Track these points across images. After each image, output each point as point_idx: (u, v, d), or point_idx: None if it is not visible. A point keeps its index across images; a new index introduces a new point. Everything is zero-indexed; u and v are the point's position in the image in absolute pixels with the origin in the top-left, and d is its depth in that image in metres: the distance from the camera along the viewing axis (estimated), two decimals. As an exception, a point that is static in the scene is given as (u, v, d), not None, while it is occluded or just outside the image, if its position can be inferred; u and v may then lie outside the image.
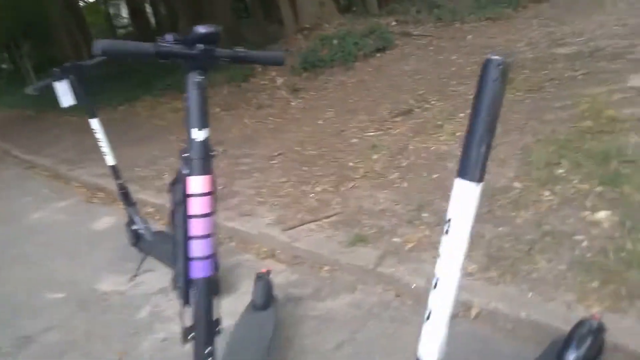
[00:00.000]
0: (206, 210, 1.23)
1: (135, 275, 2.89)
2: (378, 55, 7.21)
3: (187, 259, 1.26)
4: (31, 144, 8.05)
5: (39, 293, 2.88)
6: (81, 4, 21.95)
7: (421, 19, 8.62)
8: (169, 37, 1.16)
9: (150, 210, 4.02)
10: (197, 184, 1.22)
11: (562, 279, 1.96)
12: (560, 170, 2.70)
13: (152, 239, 2.91)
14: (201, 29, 1.15)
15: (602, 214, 2.26)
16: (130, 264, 2.96)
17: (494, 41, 6.18)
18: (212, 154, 1.25)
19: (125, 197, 3.01)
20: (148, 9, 20.61)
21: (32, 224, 4.21)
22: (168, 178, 4.51)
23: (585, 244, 2.12)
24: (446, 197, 2.75)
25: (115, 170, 2.91)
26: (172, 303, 2.52)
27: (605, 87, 3.69)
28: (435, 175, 3.09)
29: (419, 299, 2.15)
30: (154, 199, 4.07)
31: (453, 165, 3.15)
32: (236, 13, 12.55)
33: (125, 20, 25.74)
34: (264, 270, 2.11)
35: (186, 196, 1.23)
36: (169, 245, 2.69)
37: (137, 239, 3.06)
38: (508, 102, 4.01)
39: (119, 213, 3.84)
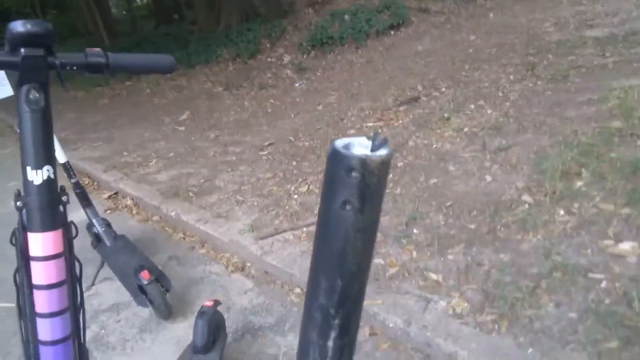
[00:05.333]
0: (52, 280, 0.88)
1: (92, 285, 2.60)
2: (392, 33, 6.71)
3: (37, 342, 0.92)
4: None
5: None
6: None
7: (442, -6, 8.02)
8: None
9: (129, 202, 3.72)
10: (36, 243, 0.86)
11: (572, 332, 1.57)
12: (580, 183, 2.27)
13: (110, 244, 2.60)
14: (18, 27, 0.78)
15: (627, 246, 1.84)
16: (91, 270, 2.66)
17: (517, 20, 5.62)
18: (61, 199, 0.89)
19: (82, 197, 2.68)
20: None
21: (6, 214, 3.96)
22: (154, 165, 4.20)
23: (603, 284, 1.71)
24: (442, 210, 2.36)
25: (67, 168, 2.57)
26: (120, 324, 2.22)
27: (640, 79, 3.20)
28: (433, 181, 2.68)
29: (397, 342, 1.79)
30: (134, 190, 3.76)
31: (455, 169, 2.74)
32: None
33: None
34: (210, 302, 1.77)
35: (27, 258, 0.88)
36: (126, 256, 2.42)
37: (98, 241, 2.75)
38: (526, 93, 3.54)
39: (99, 206, 3.56)
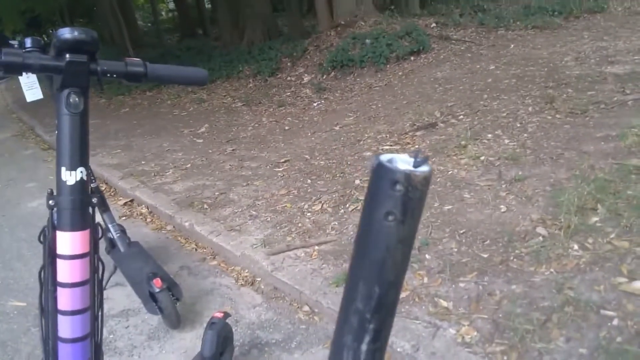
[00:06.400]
0: (76, 279, 0.91)
1: (103, 289, 2.63)
2: (411, 58, 6.78)
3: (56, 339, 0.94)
4: (54, 125, 8.00)
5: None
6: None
7: (463, 23, 8.11)
8: (28, 42, 0.84)
9: (144, 210, 3.77)
10: (64, 242, 0.90)
11: (582, 369, 1.55)
12: (595, 219, 2.26)
13: (124, 250, 2.64)
14: (66, 34, 0.83)
15: (641, 284, 1.83)
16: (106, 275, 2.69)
17: (538, 53, 5.65)
18: (91, 201, 0.92)
19: (100, 202, 2.72)
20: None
21: (24, 215, 4.03)
22: (170, 176, 4.26)
23: (615, 322, 1.70)
24: (455, 237, 2.36)
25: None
26: (128, 330, 2.24)
27: (660, 118, 3.19)
28: (447, 207, 2.69)
29: (403, 367, 1.78)
30: (149, 198, 3.81)
31: (470, 197, 2.75)
32: (273, 4, 12.25)
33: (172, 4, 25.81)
34: (220, 313, 1.79)
35: (54, 256, 0.91)
36: (139, 263, 2.45)
37: (112, 246, 2.79)
38: (544, 125, 3.55)
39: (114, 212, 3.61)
